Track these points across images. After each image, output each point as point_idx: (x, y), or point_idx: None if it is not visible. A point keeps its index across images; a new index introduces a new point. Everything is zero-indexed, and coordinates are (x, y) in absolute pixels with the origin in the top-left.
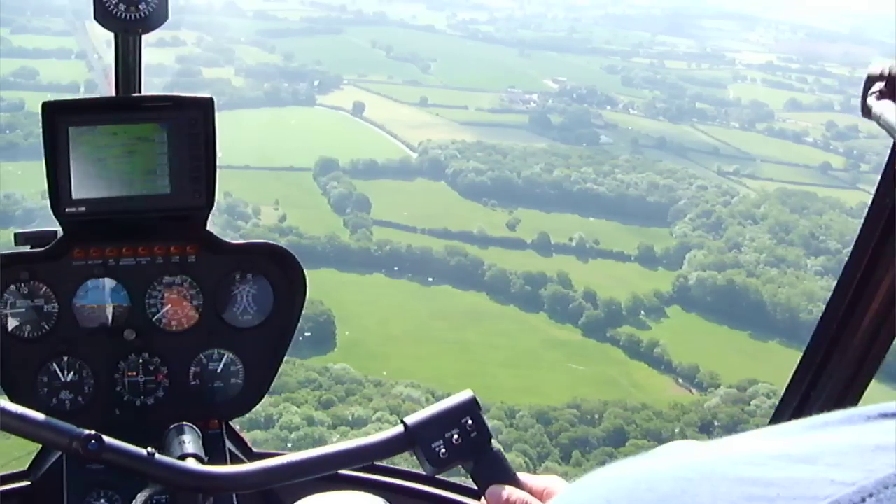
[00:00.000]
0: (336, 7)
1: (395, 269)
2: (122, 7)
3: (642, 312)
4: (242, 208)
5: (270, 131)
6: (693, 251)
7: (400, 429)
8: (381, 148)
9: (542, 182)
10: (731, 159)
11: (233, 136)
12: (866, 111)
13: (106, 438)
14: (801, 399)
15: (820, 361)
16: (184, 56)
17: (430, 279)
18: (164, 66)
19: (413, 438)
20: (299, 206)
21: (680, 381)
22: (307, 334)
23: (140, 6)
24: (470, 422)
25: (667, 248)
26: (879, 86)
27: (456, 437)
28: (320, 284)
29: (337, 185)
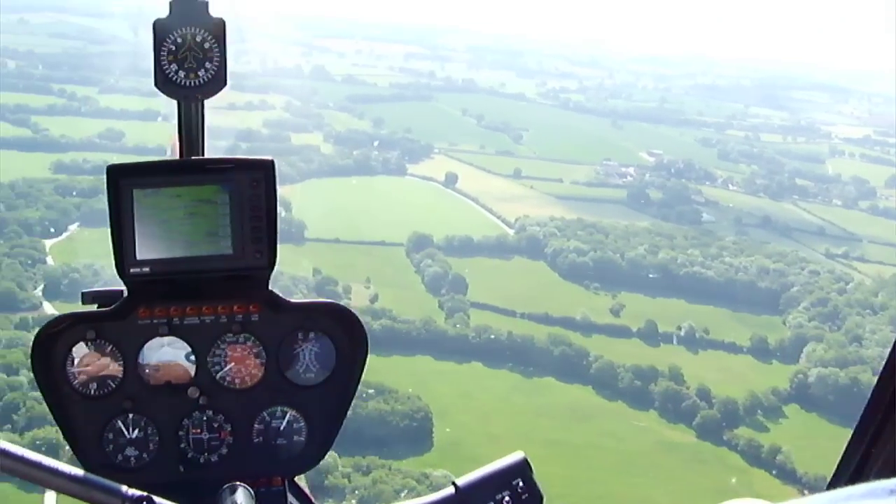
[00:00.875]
0: (425, 73)
1: (495, 357)
2: (181, 74)
3: (759, 412)
4: (333, 287)
5: (361, 202)
6: (811, 344)
7: (450, 490)
8: (476, 223)
9: (646, 264)
10: (837, 240)
11: (323, 206)
12: None
13: (157, 499)
14: (857, 465)
15: (877, 426)
16: (272, 120)
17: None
18: (251, 131)
19: (463, 499)
20: (392, 285)
21: (806, 492)
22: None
23: (199, 73)
24: (521, 483)
25: (781, 340)
26: None
27: (507, 499)
28: (416, 373)
29: (431, 262)
